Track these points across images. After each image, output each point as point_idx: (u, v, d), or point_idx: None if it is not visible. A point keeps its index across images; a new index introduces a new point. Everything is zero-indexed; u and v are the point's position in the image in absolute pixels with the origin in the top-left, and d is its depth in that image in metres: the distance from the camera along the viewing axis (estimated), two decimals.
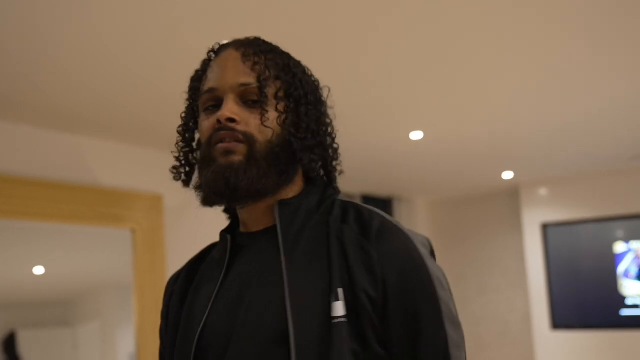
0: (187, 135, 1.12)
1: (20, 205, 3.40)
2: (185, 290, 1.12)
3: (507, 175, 5.83)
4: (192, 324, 1.03)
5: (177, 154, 1.13)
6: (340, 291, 0.93)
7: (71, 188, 3.63)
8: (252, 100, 1.02)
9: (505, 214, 6.66)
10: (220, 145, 1.00)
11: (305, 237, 1.01)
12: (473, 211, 6.87)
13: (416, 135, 4.27)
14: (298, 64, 1.10)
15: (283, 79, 1.05)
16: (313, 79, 1.11)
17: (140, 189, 4.02)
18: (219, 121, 1.01)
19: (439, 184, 6.21)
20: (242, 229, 1.11)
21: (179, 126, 1.14)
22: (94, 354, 4.45)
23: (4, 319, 4.21)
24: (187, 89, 1.14)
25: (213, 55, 1.10)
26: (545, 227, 6.14)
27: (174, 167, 1.13)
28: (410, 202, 6.72)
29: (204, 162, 1.04)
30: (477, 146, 4.72)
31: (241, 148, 1.00)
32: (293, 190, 1.07)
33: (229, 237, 1.09)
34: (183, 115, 1.14)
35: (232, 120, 1.00)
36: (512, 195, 6.56)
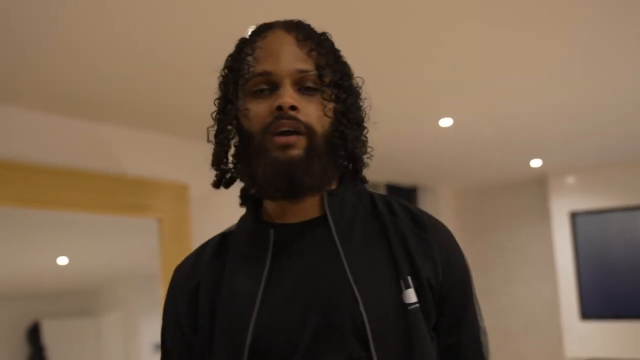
0: (224, 118, 1.04)
1: (44, 195, 3.38)
2: (214, 287, 1.02)
3: (536, 163, 5.72)
4: (238, 324, 0.95)
5: (217, 140, 1.05)
6: (409, 279, 0.96)
7: (97, 177, 3.59)
8: (307, 87, 0.98)
9: (532, 203, 6.54)
10: (279, 138, 0.95)
11: (358, 228, 1.01)
12: (499, 200, 6.76)
13: (446, 122, 4.20)
14: (340, 52, 1.08)
15: (336, 67, 1.02)
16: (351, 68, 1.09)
17: (166, 178, 3.98)
18: (279, 108, 0.95)
19: (465, 172, 6.12)
20: (272, 220, 1.04)
21: (217, 109, 1.07)
22: (116, 343, 4.46)
23: (28, 309, 4.23)
24: (223, 68, 1.07)
25: (256, 36, 1.04)
26: (574, 216, 6.02)
27: (215, 154, 1.05)
28: (434, 191, 6.63)
29: (257, 152, 0.98)
30: (507, 134, 4.64)
31: (302, 141, 0.96)
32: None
33: (271, 230, 1.01)
34: (220, 96, 1.06)
35: (294, 108, 0.95)
36: (540, 184, 6.44)
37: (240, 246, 1.05)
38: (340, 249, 0.96)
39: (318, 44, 1.01)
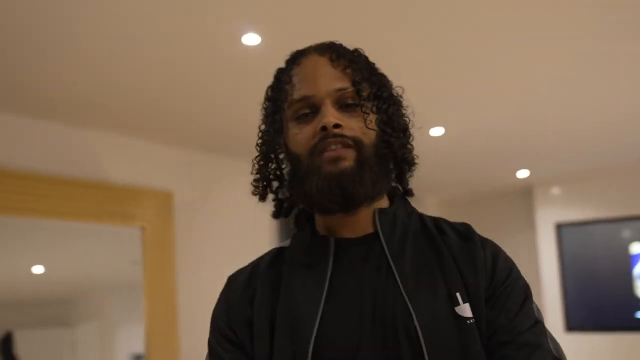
0: (269, 148, 1.07)
1: (22, 202, 3.26)
2: (272, 295, 1.03)
3: (523, 173, 5.71)
4: (301, 331, 0.96)
5: (258, 168, 1.08)
6: (464, 294, 0.97)
7: (78, 183, 3.47)
8: (347, 104, 1.01)
9: (518, 214, 6.53)
10: (327, 154, 0.98)
11: (410, 246, 1.02)
12: (485, 210, 6.74)
13: (437, 132, 4.15)
14: (375, 64, 1.10)
15: (372, 80, 1.05)
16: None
17: (150, 186, 3.87)
18: (324, 128, 0.98)
19: (451, 182, 6.11)
20: (329, 235, 1.06)
21: (259, 140, 1.09)
22: (92, 354, 4.35)
23: (0, 319, 4.10)
24: (264, 100, 1.10)
25: (291, 64, 1.08)
26: (560, 227, 6.01)
27: (255, 181, 1.08)
28: (420, 200, 6.58)
29: (308, 171, 1.00)
30: (496, 144, 4.65)
31: (350, 153, 0.98)
32: (384, 200, 1.08)
33: (332, 240, 1.04)
34: (263, 128, 1.09)
35: (338, 125, 0.98)
36: (526, 194, 6.43)
37: (299, 256, 1.06)
38: (393, 265, 0.98)
39: (351, 61, 1.04)
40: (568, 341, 5.80)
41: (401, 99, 1.10)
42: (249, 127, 4.55)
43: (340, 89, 1.00)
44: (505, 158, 5.13)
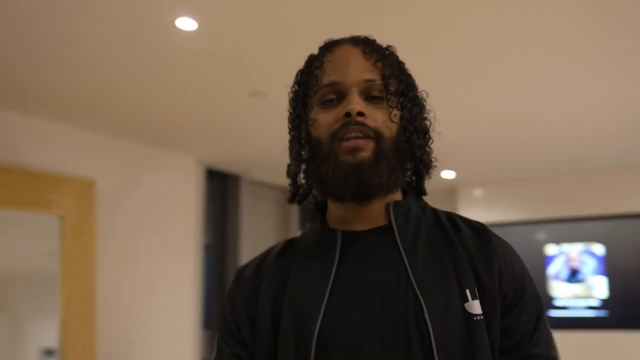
0: (296, 133, 1.09)
1: None
2: (278, 286, 1.05)
3: (448, 174, 5.82)
4: (305, 323, 0.98)
5: (291, 155, 1.09)
6: (475, 290, 0.98)
7: None
8: (373, 96, 1.03)
9: None
10: (347, 143, 0.99)
11: (422, 240, 1.03)
12: None
13: None
14: (405, 64, 1.13)
15: (401, 78, 1.07)
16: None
17: (71, 173, 3.71)
18: (347, 114, 0.99)
19: None
20: (339, 227, 1.06)
21: (289, 124, 1.11)
22: (0, 347, 4.14)
23: None
24: (293, 84, 1.12)
25: (324, 51, 1.10)
26: None
27: (290, 169, 1.09)
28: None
29: (326, 156, 1.01)
30: None
31: (370, 145, 0.99)
32: (397, 194, 1.08)
33: (339, 232, 1.05)
34: (290, 112, 1.11)
35: (361, 114, 0.99)
36: (449, 195, 6.58)
37: (307, 248, 1.07)
38: (405, 257, 0.99)
39: (384, 56, 1.06)
40: None
41: (425, 103, 1.12)
42: (179, 117, 4.45)
43: (369, 80, 1.03)
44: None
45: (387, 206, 1.05)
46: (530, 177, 5.98)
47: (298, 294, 1.01)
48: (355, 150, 0.98)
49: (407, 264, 0.99)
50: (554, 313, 5.85)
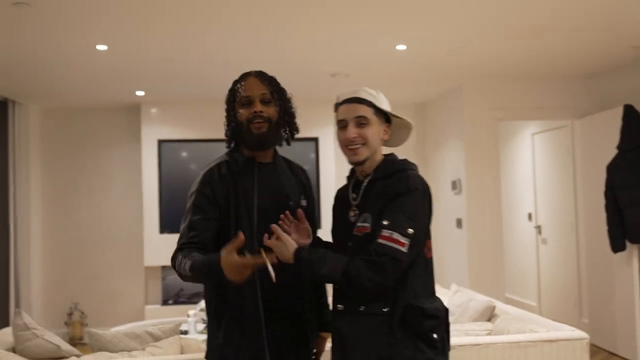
0: (230, 116, 2.26)
1: None
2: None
3: (138, 93, 6.30)
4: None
5: (229, 127, 2.27)
6: (303, 193, 2.35)
7: None
8: (267, 101, 2.19)
9: (125, 129, 7.14)
10: (255, 124, 2.17)
11: (284, 167, 2.35)
12: (93, 123, 7.13)
13: (102, 47, 4.56)
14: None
15: (278, 91, 2.23)
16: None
17: None
18: (255, 112, 2.18)
19: (61, 92, 6.31)
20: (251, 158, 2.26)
21: (227, 112, 2.30)
22: None
23: None
24: (228, 93, 2.26)
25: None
26: (161, 143, 6.85)
27: (227, 133, 2.30)
28: (23, 106, 6.60)
29: (246, 131, 2.17)
30: (111, 63, 5.08)
31: (266, 125, 2.16)
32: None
33: (256, 162, 2.22)
34: (227, 105, 2.28)
35: (261, 111, 2.19)
36: (134, 112, 7.05)
37: (238, 167, 2.21)
38: (280, 176, 2.27)
39: (269, 81, 2.21)
40: (163, 240, 6.78)
41: (290, 99, 2.27)
42: None
43: (264, 93, 2.17)
44: (124, 78, 5.66)
45: (273, 152, 2.26)
46: (210, 101, 6.79)
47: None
48: (260, 127, 2.15)
49: (279, 177, 2.25)
50: None
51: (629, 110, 5.32)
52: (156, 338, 3.43)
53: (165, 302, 7.03)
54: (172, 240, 7.08)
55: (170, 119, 6.93)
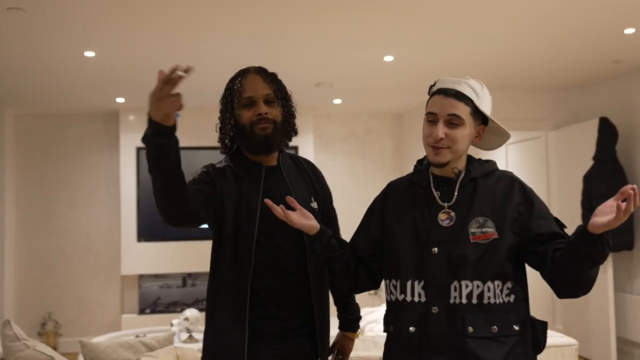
0: (226, 118, 2.08)
1: None
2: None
3: (118, 100, 6.24)
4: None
5: (224, 129, 2.09)
6: (314, 195, 2.14)
7: None
8: (271, 101, 2.03)
9: (103, 135, 7.05)
10: (260, 125, 2.02)
11: (293, 169, 2.18)
12: (71, 130, 7.02)
13: (90, 54, 4.50)
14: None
15: (281, 90, 2.06)
16: None
17: None
18: (259, 114, 2.03)
19: (36, 97, 6.21)
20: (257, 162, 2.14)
21: (221, 113, 2.09)
22: None
23: None
24: (225, 92, 2.08)
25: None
26: (140, 151, 6.78)
27: (221, 137, 2.12)
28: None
29: (249, 133, 2.02)
30: (92, 69, 5.04)
31: (271, 126, 2.01)
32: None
33: (264, 165, 2.10)
34: (222, 107, 2.08)
35: (266, 113, 2.02)
36: (113, 119, 6.97)
37: (242, 170, 2.07)
38: (286, 178, 2.08)
39: (272, 80, 2.04)
40: (141, 248, 6.71)
41: (291, 99, 2.10)
42: None
43: (267, 94, 1.99)
44: (107, 84, 5.60)
45: (278, 155, 2.10)
46: (190, 109, 6.76)
47: (246, 195, 2.01)
48: (265, 128, 1.99)
49: (287, 181, 2.07)
50: (203, 225, 6.85)
51: (604, 122, 5.49)
52: (150, 348, 3.40)
53: (142, 311, 6.94)
54: (150, 249, 7.04)
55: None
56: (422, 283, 1.74)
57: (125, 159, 6.77)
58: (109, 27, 3.95)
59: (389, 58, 4.84)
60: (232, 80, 2.02)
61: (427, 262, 1.73)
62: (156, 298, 6.98)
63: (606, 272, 5.51)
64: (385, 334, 1.87)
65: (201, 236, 6.76)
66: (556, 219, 1.80)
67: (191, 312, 5.09)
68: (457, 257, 1.72)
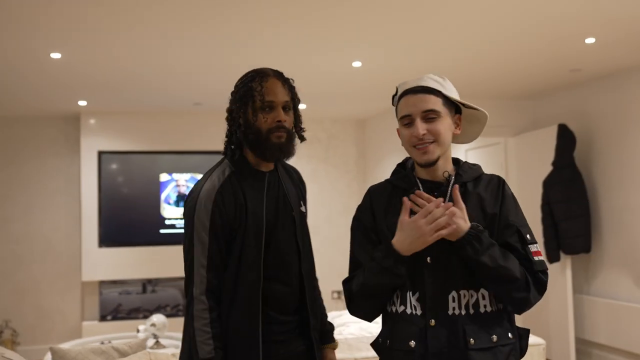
0: (237, 119, 2.01)
1: None
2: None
3: (80, 103, 6.13)
4: (258, 213, 1.97)
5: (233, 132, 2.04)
6: (303, 200, 2.15)
7: None
8: (287, 108, 1.99)
9: (64, 139, 6.91)
10: (277, 133, 1.97)
11: (286, 177, 2.16)
12: (29, 132, 6.86)
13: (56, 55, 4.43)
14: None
15: (295, 97, 2.02)
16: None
17: None
18: (279, 121, 1.97)
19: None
20: (258, 169, 2.07)
21: (230, 113, 2.04)
22: None
23: None
24: (237, 92, 1.99)
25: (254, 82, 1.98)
26: (101, 155, 6.68)
27: (231, 139, 2.08)
28: None
29: (265, 139, 1.95)
30: (62, 71, 4.96)
31: (286, 134, 1.97)
32: None
33: (267, 173, 2.07)
34: (233, 107, 2.01)
35: (284, 120, 1.97)
36: (71, 122, 6.84)
37: (246, 178, 2.03)
38: (284, 185, 2.07)
39: (290, 86, 1.98)
40: (101, 254, 6.59)
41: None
42: None
43: (286, 101, 1.95)
44: (71, 87, 5.50)
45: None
46: (152, 113, 6.72)
47: (251, 203, 1.96)
48: (280, 137, 1.94)
49: (284, 188, 2.06)
50: (163, 231, 6.79)
51: (562, 129, 5.65)
52: (123, 353, 3.35)
53: (103, 318, 6.82)
54: (111, 255, 6.98)
55: (112, 130, 6.76)
56: (416, 295, 1.69)
57: (86, 163, 6.65)
58: (77, 28, 3.88)
59: (357, 64, 4.89)
60: (250, 80, 1.94)
61: (422, 271, 1.68)
62: (117, 304, 6.87)
63: (565, 274, 5.68)
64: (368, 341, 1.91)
65: (162, 241, 6.72)
66: (524, 229, 1.74)
67: (158, 318, 5.03)
68: (453, 266, 1.67)
